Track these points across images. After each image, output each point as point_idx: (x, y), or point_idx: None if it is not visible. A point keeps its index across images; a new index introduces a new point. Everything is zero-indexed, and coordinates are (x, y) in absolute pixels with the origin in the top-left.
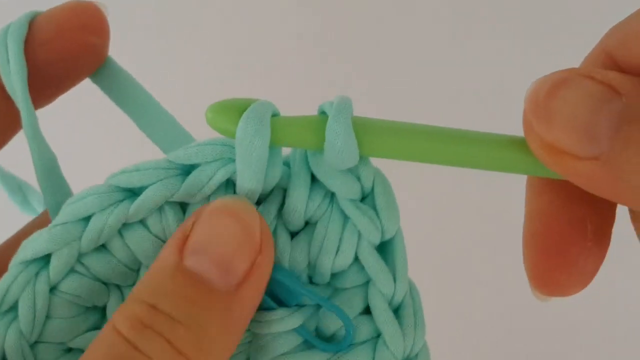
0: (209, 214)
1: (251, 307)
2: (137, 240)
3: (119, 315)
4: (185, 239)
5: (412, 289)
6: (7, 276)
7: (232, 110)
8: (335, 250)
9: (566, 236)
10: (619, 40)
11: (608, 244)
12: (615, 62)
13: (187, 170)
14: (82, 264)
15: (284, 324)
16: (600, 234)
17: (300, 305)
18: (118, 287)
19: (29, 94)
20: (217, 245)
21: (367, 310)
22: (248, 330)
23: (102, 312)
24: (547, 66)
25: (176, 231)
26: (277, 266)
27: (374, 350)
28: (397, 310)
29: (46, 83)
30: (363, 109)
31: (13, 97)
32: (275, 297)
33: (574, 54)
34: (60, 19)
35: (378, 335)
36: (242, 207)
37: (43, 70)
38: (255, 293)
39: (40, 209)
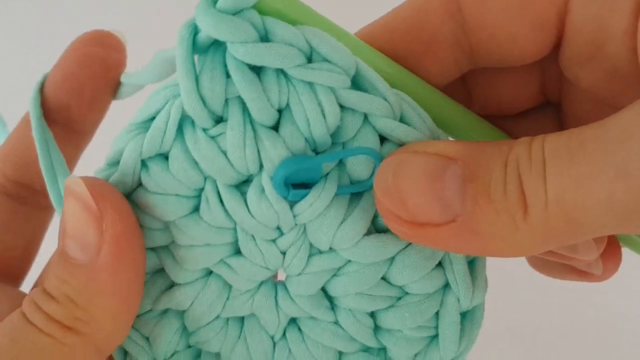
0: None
1: (116, 273)
2: (145, 202)
3: (27, 297)
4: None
5: (401, 98)
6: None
7: None
8: (321, 115)
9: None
10: None
11: None
12: (459, 5)
13: (149, 126)
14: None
15: (323, 199)
16: None
17: (326, 175)
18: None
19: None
20: (69, 226)
21: None
22: (296, 225)
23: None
24: None
25: None
26: (285, 161)
27: (443, 294)
28: (402, 120)
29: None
30: None
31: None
32: (300, 185)
33: None
34: (70, 57)
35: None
36: (74, 182)
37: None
38: (115, 258)
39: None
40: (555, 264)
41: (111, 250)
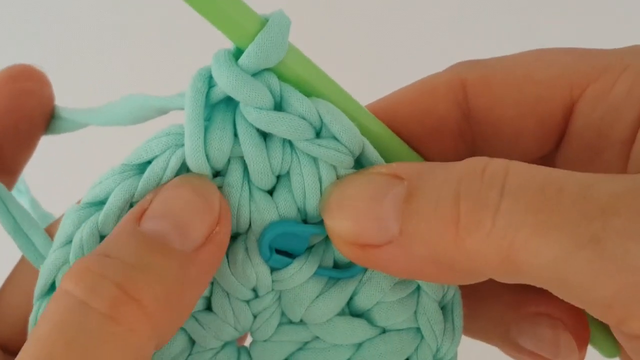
0: (167, 186)
1: (207, 274)
2: None
3: (65, 276)
4: (143, 211)
5: None
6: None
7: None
8: (319, 189)
9: None
10: (481, 77)
11: None
12: (466, 95)
13: (143, 168)
14: None
15: (304, 272)
16: None
17: (310, 248)
18: None
19: None
20: (175, 211)
21: None
22: (272, 290)
23: None
24: None
25: (134, 206)
26: (274, 223)
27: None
28: None
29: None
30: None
31: None
32: (284, 253)
33: None
34: None
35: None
36: (201, 180)
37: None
38: (212, 261)
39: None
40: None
41: (213, 252)
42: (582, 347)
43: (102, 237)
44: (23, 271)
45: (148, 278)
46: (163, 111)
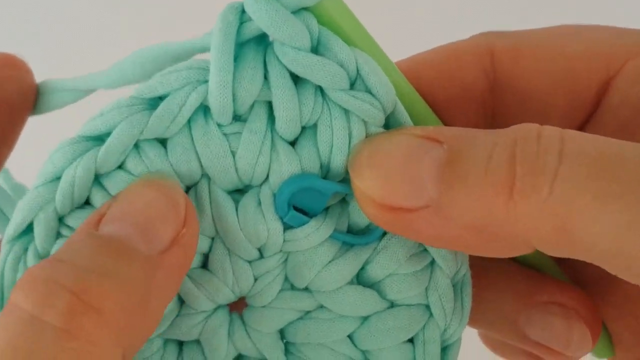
0: (128, 188)
1: (175, 279)
2: (121, 186)
3: (14, 287)
4: (101, 217)
5: None
6: None
7: None
8: (347, 145)
9: None
10: (510, 47)
11: None
12: (494, 64)
13: (155, 103)
14: (67, 225)
15: (321, 233)
16: None
17: (326, 209)
18: None
19: None
20: (137, 213)
21: None
22: (280, 251)
23: None
24: None
25: (91, 214)
26: (296, 176)
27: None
28: None
29: None
30: None
31: None
32: (300, 210)
33: None
34: None
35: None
36: (166, 181)
37: None
38: (179, 264)
39: None
40: (514, 347)
41: (180, 255)
42: (594, 341)
43: (97, 176)
44: None
45: (108, 284)
46: (184, 57)
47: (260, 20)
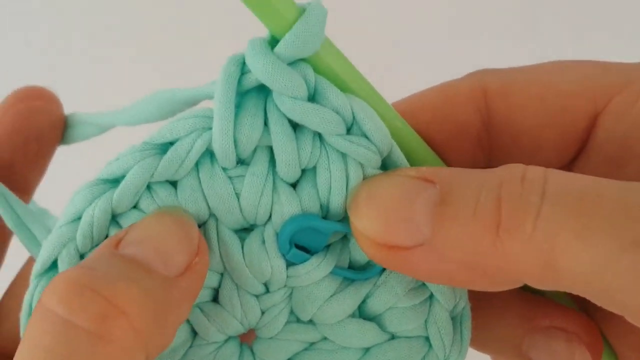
0: (146, 217)
1: (188, 301)
2: None
3: (45, 292)
4: (119, 240)
5: None
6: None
7: None
8: (345, 187)
9: None
10: (502, 85)
11: None
12: (487, 103)
13: (165, 148)
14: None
15: (322, 269)
16: None
17: (327, 246)
18: None
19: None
20: (156, 238)
21: None
22: (285, 286)
23: None
24: None
25: (109, 237)
26: (297, 217)
27: None
28: None
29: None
30: None
31: None
32: (301, 248)
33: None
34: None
35: None
36: (181, 212)
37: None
38: (193, 289)
39: None
40: None
41: (194, 280)
42: None
43: (114, 216)
44: (25, 281)
45: (135, 290)
46: (193, 102)
47: (258, 73)
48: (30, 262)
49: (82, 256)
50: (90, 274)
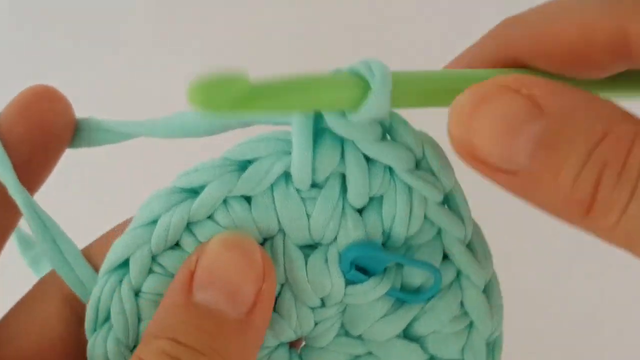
0: (210, 249)
1: (262, 331)
2: (209, 234)
3: (145, 350)
4: (191, 275)
5: (474, 225)
6: (95, 289)
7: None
8: (408, 219)
9: None
10: (529, 38)
11: None
12: (519, 61)
13: (244, 165)
14: (159, 263)
15: (378, 291)
16: None
17: (384, 269)
18: None
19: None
20: (223, 278)
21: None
22: (340, 302)
23: None
24: None
25: (181, 268)
26: (363, 244)
27: (460, 287)
28: (468, 246)
29: (30, 167)
30: None
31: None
32: (362, 269)
33: None
34: (15, 105)
35: (457, 275)
36: (243, 239)
37: (22, 156)
38: (264, 318)
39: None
40: None
41: (264, 310)
42: None
43: (189, 224)
44: (37, 299)
45: (216, 358)
46: (248, 124)
47: (337, 130)
48: (37, 286)
49: (154, 257)
50: (177, 347)
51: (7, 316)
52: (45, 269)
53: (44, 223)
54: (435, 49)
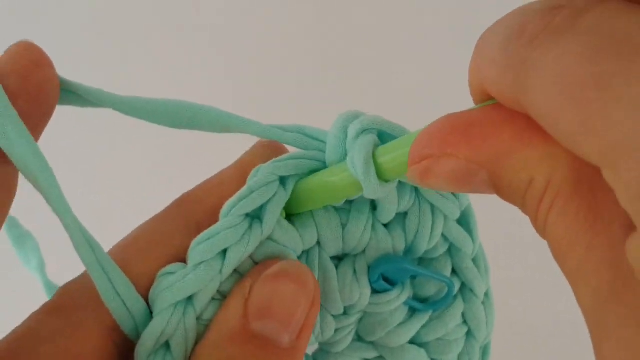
0: (266, 277)
1: (305, 351)
2: (268, 255)
3: None
4: (246, 302)
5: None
6: (158, 320)
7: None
8: (429, 234)
9: None
10: None
11: None
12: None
13: (284, 180)
14: (218, 291)
15: (399, 300)
16: None
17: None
18: None
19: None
20: (282, 308)
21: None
22: (360, 310)
23: None
24: None
25: (235, 293)
26: (394, 258)
27: (463, 299)
28: (473, 261)
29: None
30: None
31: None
32: (385, 278)
33: None
34: (6, 59)
35: (460, 286)
36: (300, 268)
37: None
38: (308, 339)
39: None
40: None
41: (310, 331)
42: None
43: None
44: (75, 327)
45: None
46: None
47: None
48: (72, 312)
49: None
50: None
51: (36, 345)
52: (32, 250)
53: (93, 251)
54: (435, 49)
